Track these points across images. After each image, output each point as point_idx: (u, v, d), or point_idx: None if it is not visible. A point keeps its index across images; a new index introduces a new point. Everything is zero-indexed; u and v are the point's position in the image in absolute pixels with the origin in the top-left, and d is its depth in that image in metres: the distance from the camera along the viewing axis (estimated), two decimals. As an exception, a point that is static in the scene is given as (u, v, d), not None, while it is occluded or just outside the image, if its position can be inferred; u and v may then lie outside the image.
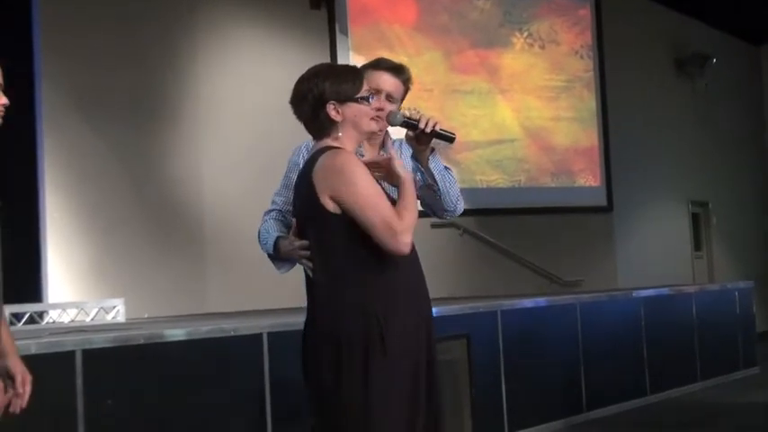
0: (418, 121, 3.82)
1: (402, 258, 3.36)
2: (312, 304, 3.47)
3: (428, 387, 3.46)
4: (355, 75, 3.55)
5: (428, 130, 3.78)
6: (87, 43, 10.12)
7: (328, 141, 3.46)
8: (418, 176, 3.95)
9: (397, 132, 3.93)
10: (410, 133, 3.85)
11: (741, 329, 11.91)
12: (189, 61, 11.01)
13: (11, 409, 3.03)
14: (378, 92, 3.78)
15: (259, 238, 3.93)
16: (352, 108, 3.46)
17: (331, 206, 3.31)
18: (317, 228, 3.39)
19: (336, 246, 3.31)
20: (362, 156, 3.85)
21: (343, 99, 3.44)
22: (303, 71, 3.52)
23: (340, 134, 3.45)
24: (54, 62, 9.73)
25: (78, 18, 10.12)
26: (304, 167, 3.47)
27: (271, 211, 4.02)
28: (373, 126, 3.56)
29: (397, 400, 3.30)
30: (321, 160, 3.36)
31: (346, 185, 3.28)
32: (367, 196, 3.26)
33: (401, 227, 3.24)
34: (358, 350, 3.28)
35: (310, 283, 3.48)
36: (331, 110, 3.42)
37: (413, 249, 3.48)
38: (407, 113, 3.88)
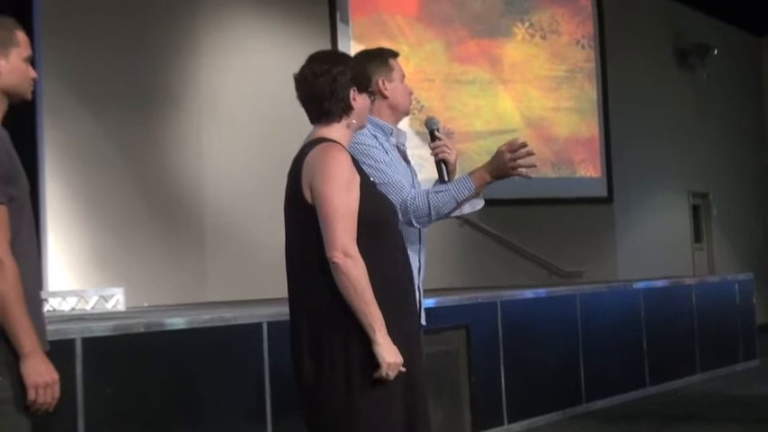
0: (440, 138, 3.95)
1: (388, 251, 3.39)
2: (295, 295, 3.45)
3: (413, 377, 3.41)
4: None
5: (433, 152, 3.94)
6: (88, 31, 10.10)
7: (324, 131, 3.45)
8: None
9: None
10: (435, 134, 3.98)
11: (741, 321, 11.90)
12: (190, 48, 10.99)
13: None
14: (404, 77, 4.01)
15: (415, 210, 3.76)
16: (365, 99, 3.52)
17: (311, 197, 3.32)
18: (300, 219, 3.37)
19: (319, 237, 3.28)
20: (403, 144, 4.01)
21: (361, 88, 3.49)
22: (303, 59, 3.51)
23: (353, 120, 3.48)
24: (55, 50, 9.72)
25: (79, 5, 10.10)
26: (296, 157, 3.45)
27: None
28: (409, 108, 4.05)
29: (384, 392, 3.27)
30: (313, 152, 3.36)
31: (321, 178, 3.28)
32: (334, 198, 3.26)
33: (346, 245, 3.22)
34: (339, 342, 3.27)
35: (292, 273, 3.47)
36: (352, 95, 3.45)
37: (401, 240, 3.51)
38: (439, 128, 4.02)
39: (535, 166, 3.80)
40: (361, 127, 3.62)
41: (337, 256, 3.21)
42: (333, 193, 3.25)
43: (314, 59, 3.48)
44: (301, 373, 3.36)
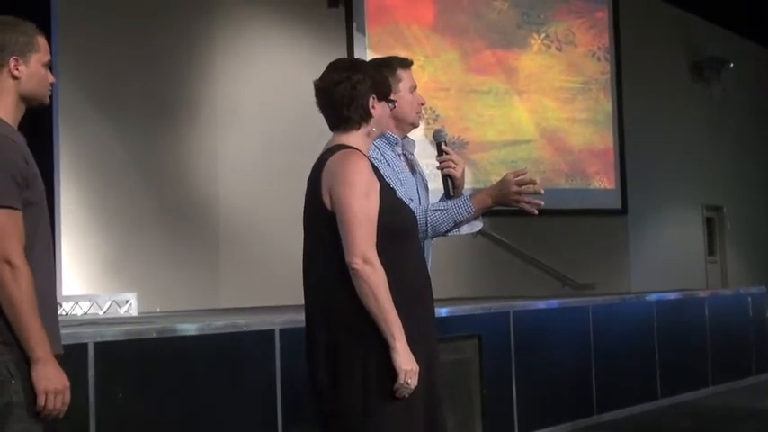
0: (447, 152, 3.87)
1: (406, 258, 3.38)
2: (312, 303, 3.44)
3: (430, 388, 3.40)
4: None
5: (440, 167, 3.86)
6: (105, 42, 10.16)
7: (343, 138, 3.44)
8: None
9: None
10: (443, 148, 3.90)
11: (754, 334, 11.86)
12: (207, 57, 11.03)
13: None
14: (414, 88, 3.88)
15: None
16: (384, 107, 3.49)
17: (330, 204, 3.31)
18: (319, 226, 3.36)
19: (338, 244, 3.27)
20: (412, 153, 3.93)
21: (381, 96, 3.46)
22: (320, 70, 3.51)
23: (373, 128, 3.46)
24: (72, 56, 9.75)
25: (96, 12, 10.15)
26: (315, 164, 3.44)
27: None
28: (418, 120, 3.83)
29: (401, 401, 3.24)
30: (332, 159, 3.35)
31: (341, 185, 3.27)
32: (354, 204, 3.24)
33: (365, 251, 3.21)
34: (357, 351, 3.25)
35: (309, 281, 3.46)
36: (372, 103, 3.43)
37: (419, 247, 3.51)
38: (446, 141, 3.94)
39: (541, 204, 3.76)
40: (381, 135, 3.61)
41: (357, 263, 3.20)
42: (352, 199, 3.24)
43: (334, 67, 3.47)
44: (317, 381, 3.33)
